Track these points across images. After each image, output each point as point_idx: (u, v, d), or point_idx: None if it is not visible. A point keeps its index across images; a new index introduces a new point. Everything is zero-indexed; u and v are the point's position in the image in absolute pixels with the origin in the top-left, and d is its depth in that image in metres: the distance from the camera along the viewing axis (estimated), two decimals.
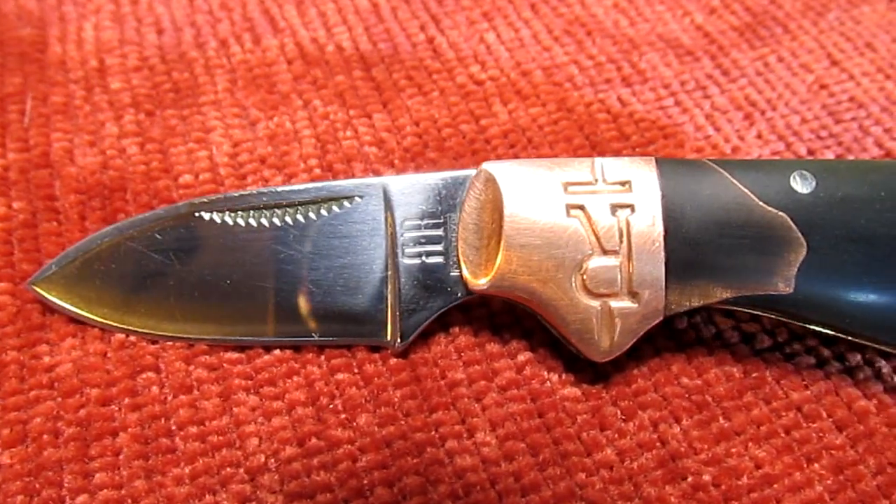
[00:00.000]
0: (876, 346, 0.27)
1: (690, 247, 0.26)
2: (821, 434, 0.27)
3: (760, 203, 0.26)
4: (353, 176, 0.33)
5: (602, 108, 0.36)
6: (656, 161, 0.27)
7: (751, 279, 0.26)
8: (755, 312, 0.27)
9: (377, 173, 0.33)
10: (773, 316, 0.27)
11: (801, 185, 0.26)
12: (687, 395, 0.28)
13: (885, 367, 0.29)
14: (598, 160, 0.27)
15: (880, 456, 0.27)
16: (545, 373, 0.28)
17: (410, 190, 0.28)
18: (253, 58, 0.37)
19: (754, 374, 0.29)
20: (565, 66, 0.38)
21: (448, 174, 0.28)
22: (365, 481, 0.25)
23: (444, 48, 0.38)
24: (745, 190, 0.26)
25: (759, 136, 0.36)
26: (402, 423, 0.26)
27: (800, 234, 0.26)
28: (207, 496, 0.25)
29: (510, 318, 0.29)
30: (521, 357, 0.28)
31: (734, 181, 0.26)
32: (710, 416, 0.27)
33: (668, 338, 0.29)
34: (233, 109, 0.35)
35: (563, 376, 0.28)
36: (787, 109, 0.37)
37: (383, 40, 0.38)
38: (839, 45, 0.40)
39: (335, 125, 0.34)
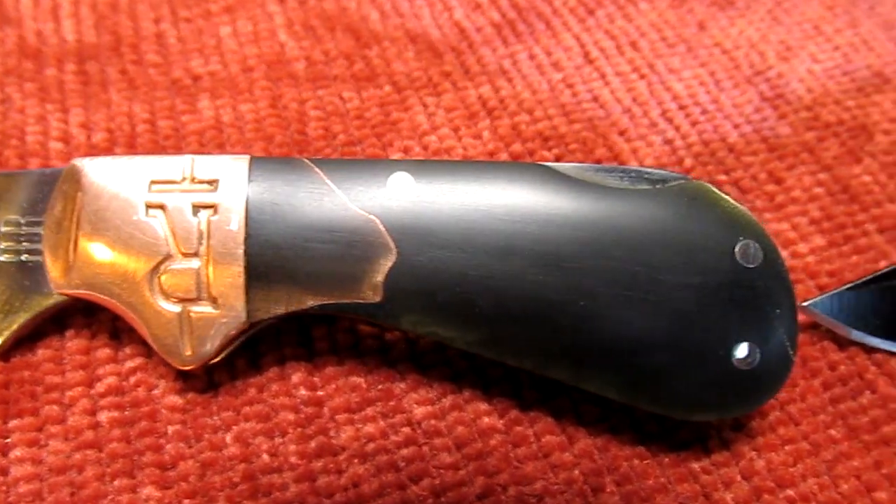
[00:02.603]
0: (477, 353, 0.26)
1: (274, 251, 0.24)
2: (434, 452, 0.26)
3: (352, 206, 0.25)
4: None
5: (318, 105, 0.35)
6: (250, 159, 0.25)
7: (338, 286, 0.25)
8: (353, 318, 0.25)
9: None
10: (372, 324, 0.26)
11: (399, 187, 0.25)
12: (300, 407, 0.26)
13: (527, 379, 0.27)
14: (192, 157, 0.25)
15: (493, 477, 0.25)
16: (154, 380, 0.27)
17: (13, 186, 0.27)
18: None
19: (380, 387, 0.27)
20: (293, 62, 0.37)
21: (51, 170, 0.27)
22: None
23: (171, 42, 0.37)
24: (339, 192, 0.25)
25: (479, 137, 0.34)
26: None
27: (390, 240, 0.24)
28: None
29: None
30: (132, 363, 0.27)
31: (328, 182, 0.25)
32: (317, 430, 0.26)
33: (299, 345, 0.28)
34: None
35: (172, 384, 0.27)
36: (520, 109, 0.35)
37: (110, 33, 0.37)
38: (600, 43, 0.38)
39: (27, 120, 0.33)
